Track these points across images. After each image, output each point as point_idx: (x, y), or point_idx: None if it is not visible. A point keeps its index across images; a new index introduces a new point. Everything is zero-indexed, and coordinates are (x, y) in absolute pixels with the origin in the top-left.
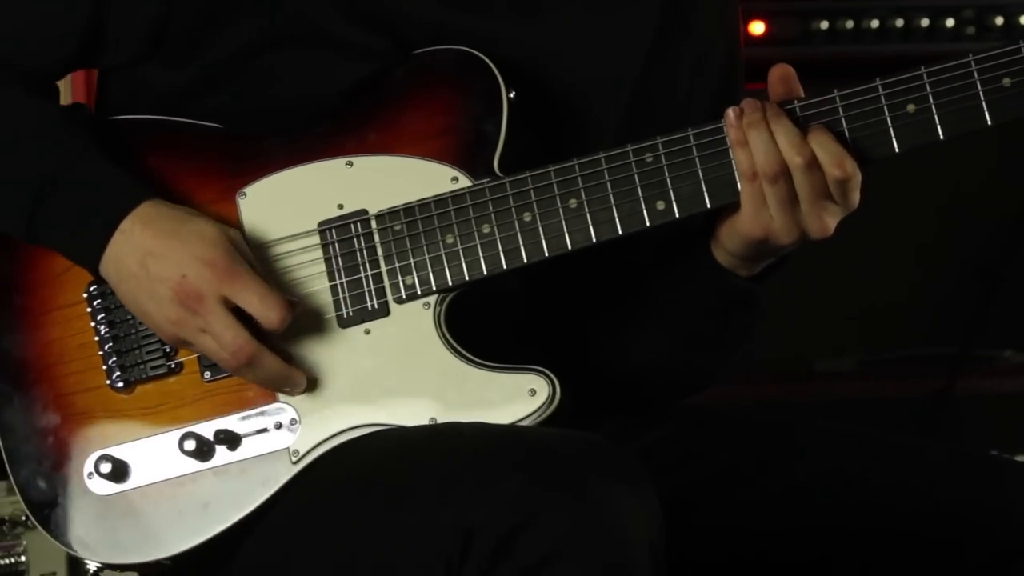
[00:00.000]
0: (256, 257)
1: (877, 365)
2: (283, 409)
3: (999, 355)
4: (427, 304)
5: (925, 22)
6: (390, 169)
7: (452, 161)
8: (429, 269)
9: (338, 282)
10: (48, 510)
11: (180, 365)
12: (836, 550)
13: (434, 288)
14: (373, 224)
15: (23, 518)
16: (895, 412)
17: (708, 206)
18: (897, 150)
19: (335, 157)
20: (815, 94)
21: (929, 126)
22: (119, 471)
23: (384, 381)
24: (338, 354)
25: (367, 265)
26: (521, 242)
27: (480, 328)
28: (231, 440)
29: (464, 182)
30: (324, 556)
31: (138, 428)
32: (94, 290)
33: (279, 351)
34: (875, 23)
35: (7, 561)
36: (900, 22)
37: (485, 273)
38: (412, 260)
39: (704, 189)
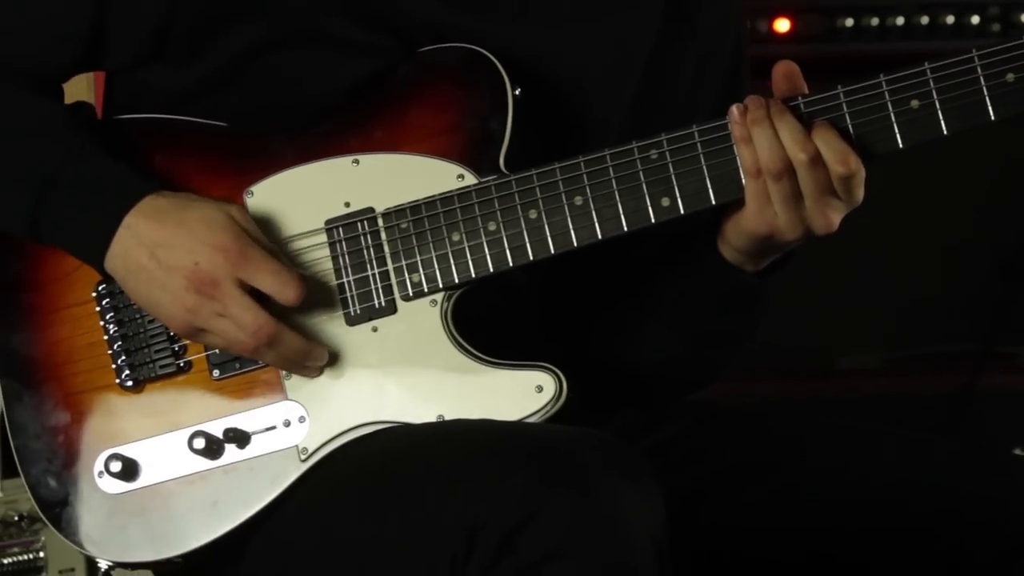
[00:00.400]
0: None
1: (900, 362)
2: (292, 407)
3: (1022, 352)
4: (434, 301)
5: (950, 19)
6: (396, 167)
7: (458, 159)
8: (436, 267)
9: (345, 280)
10: (59, 508)
11: (189, 364)
12: (843, 547)
13: (441, 286)
14: (380, 222)
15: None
16: (918, 409)
17: (713, 203)
18: (901, 146)
19: (341, 155)
20: (825, 90)
21: (933, 121)
22: (129, 470)
23: (392, 378)
24: (346, 352)
25: (374, 263)
26: (527, 239)
27: (487, 325)
28: (240, 438)
29: (470, 180)
30: (332, 553)
31: (147, 427)
32: (103, 289)
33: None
34: (900, 20)
35: (26, 557)
36: (925, 19)
37: (491, 270)
38: (419, 258)
39: (709, 186)
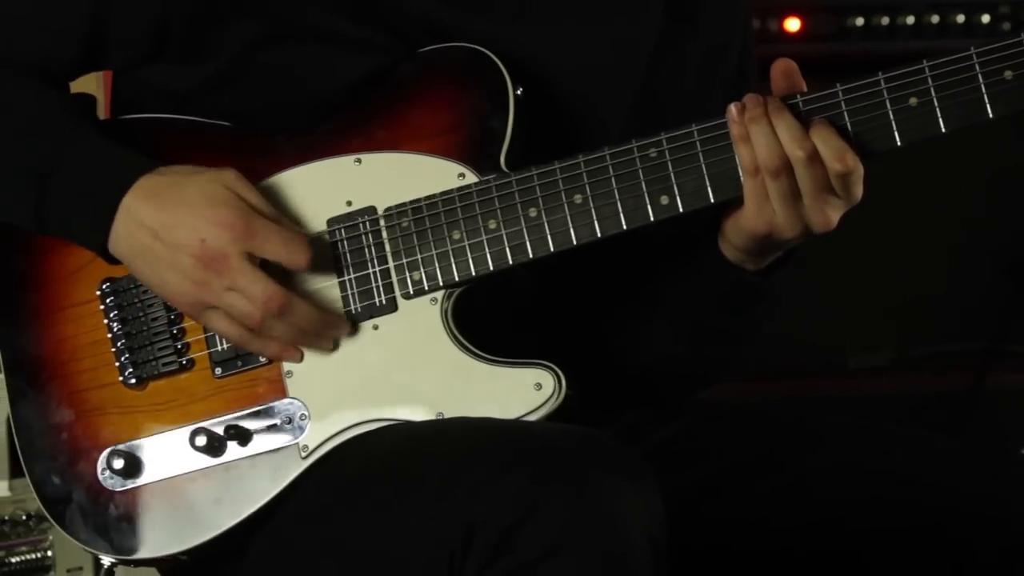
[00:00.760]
0: None
1: (909, 361)
2: (293, 405)
3: None
4: (434, 300)
5: (961, 18)
6: (398, 166)
7: (459, 158)
8: (436, 265)
9: (346, 278)
10: (62, 506)
11: (191, 362)
12: (850, 544)
13: (441, 284)
14: (381, 221)
15: None
16: (927, 407)
17: (712, 201)
18: (899, 143)
19: (343, 154)
20: (824, 88)
21: (931, 119)
22: (131, 467)
23: (392, 376)
24: (347, 349)
25: (375, 261)
26: (527, 237)
27: (487, 323)
28: (241, 436)
29: (471, 178)
30: (333, 550)
31: (150, 424)
32: (107, 287)
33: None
34: (911, 19)
35: (34, 556)
36: (936, 18)
37: (491, 268)
38: (419, 256)
39: (708, 184)
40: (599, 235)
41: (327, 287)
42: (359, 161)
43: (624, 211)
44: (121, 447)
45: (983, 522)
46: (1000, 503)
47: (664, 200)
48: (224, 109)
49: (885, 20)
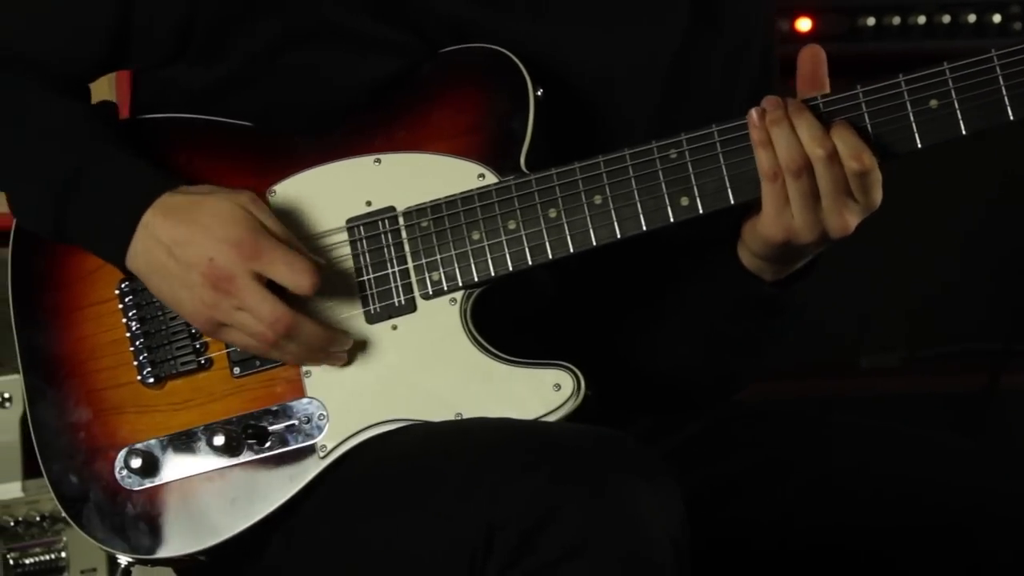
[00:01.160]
0: None
1: (922, 361)
2: (311, 405)
3: None
4: (453, 300)
5: (972, 18)
6: (418, 166)
7: (479, 158)
8: (455, 265)
9: (366, 278)
10: (80, 505)
11: (210, 361)
12: (864, 544)
13: (460, 284)
14: (401, 221)
15: (63, 514)
16: (940, 407)
17: (732, 202)
18: (920, 145)
19: (363, 155)
20: (845, 90)
21: (951, 121)
22: (149, 466)
23: (411, 376)
24: (365, 350)
25: (394, 261)
26: (546, 238)
27: (506, 324)
28: (260, 435)
29: (491, 179)
30: (351, 550)
31: (168, 423)
32: (125, 287)
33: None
34: (922, 19)
35: (48, 557)
36: (947, 18)
37: (510, 269)
38: (439, 256)
39: (728, 185)
40: (619, 236)
41: (346, 287)
42: (379, 161)
43: (644, 212)
44: (139, 446)
45: (999, 522)
46: (1018, 503)
47: (684, 201)
48: (246, 109)
49: (896, 20)
